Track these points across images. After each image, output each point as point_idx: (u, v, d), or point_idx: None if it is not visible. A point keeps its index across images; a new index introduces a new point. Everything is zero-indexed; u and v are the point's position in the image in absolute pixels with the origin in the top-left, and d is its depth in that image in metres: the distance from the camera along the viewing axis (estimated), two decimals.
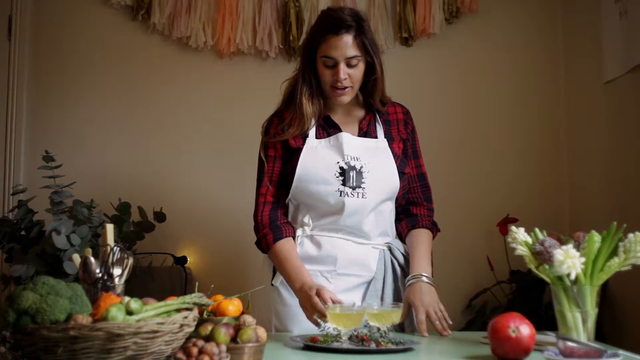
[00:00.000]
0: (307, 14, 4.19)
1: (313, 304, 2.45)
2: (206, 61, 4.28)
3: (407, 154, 2.86)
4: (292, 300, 2.70)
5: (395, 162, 2.76)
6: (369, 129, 2.83)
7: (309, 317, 2.50)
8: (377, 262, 2.73)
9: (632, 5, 3.43)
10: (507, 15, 4.34)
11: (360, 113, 2.87)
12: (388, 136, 2.82)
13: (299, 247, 2.72)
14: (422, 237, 2.81)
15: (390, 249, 2.78)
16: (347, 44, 2.66)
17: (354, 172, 2.68)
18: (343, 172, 2.68)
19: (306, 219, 2.73)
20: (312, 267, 2.70)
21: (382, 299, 2.68)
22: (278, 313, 2.74)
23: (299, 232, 2.73)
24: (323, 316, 2.36)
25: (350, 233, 2.72)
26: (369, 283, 2.71)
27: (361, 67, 2.72)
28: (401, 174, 2.77)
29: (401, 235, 2.89)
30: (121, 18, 4.29)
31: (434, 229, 2.87)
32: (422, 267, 2.69)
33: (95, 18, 4.29)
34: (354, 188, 2.66)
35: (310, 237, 2.74)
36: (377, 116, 2.85)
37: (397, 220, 2.90)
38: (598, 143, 3.85)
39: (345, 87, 2.71)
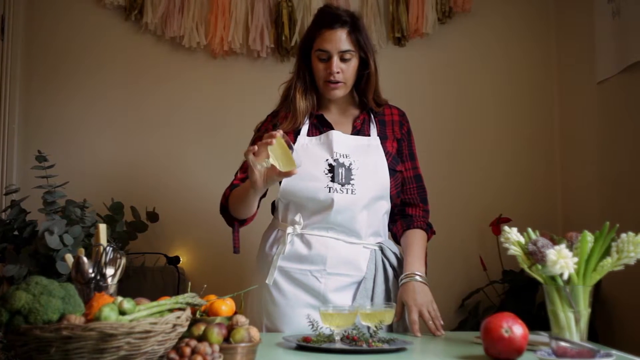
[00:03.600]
0: (299, 14, 4.19)
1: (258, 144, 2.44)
2: (199, 61, 4.27)
3: (402, 155, 2.88)
4: (282, 300, 2.72)
5: (387, 159, 2.78)
6: (362, 127, 2.85)
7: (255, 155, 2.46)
8: (367, 262, 2.73)
9: (625, 5, 3.44)
10: (500, 15, 4.34)
11: (354, 112, 2.90)
12: (381, 135, 2.85)
13: (289, 245, 2.73)
14: (416, 238, 2.82)
15: (381, 249, 2.78)
16: (340, 37, 2.74)
17: (343, 169, 2.70)
18: (332, 169, 2.70)
19: (297, 218, 2.73)
20: (302, 266, 2.71)
21: (372, 299, 2.68)
22: (269, 313, 2.74)
23: (289, 229, 2.73)
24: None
25: (342, 232, 2.72)
26: (359, 283, 2.71)
27: (354, 62, 2.78)
28: (392, 171, 2.79)
29: (396, 237, 2.90)
30: (114, 18, 4.28)
31: (429, 230, 2.89)
32: (416, 266, 2.71)
33: (87, 18, 4.28)
34: (342, 184, 2.69)
35: (301, 236, 2.74)
36: (372, 116, 2.87)
37: (392, 221, 2.91)
38: (591, 143, 3.85)
39: (338, 82, 2.75)
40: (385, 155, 2.79)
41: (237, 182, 2.85)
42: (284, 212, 2.80)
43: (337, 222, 2.70)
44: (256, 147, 2.42)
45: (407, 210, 2.91)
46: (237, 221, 2.82)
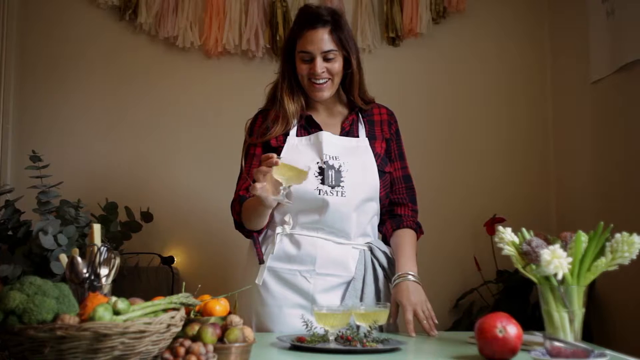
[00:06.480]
0: (294, 14, 4.18)
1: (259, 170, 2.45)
2: (193, 61, 4.27)
3: (390, 155, 2.87)
4: (271, 301, 2.71)
5: (376, 161, 2.78)
6: (351, 128, 2.84)
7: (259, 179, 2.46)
8: (356, 262, 2.72)
9: (619, 6, 3.44)
10: (494, 15, 4.35)
11: (343, 113, 2.89)
12: (370, 135, 2.84)
13: (278, 245, 2.72)
14: (406, 237, 2.81)
15: (371, 249, 2.77)
16: (323, 37, 2.71)
17: (333, 171, 2.69)
18: (322, 172, 2.69)
19: (287, 218, 2.72)
20: (291, 266, 2.70)
21: (361, 299, 2.67)
22: (258, 313, 2.73)
23: (278, 229, 2.72)
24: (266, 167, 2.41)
25: (331, 233, 2.71)
26: (348, 283, 2.70)
27: (339, 61, 2.75)
28: (381, 172, 2.78)
29: (385, 237, 2.89)
30: (108, 18, 4.28)
31: (418, 229, 2.88)
32: (408, 266, 2.70)
33: (82, 18, 4.27)
34: (332, 187, 2.67)
35: (290, 235, 2.73)
36: (360, 116, 2.87)
37: (381, 222, 2.90)
38: (585, 143, 3.86)
39: (324, 82, 2.75)
40: (374, 157, 2.79)
41: (242, 192, 2.80)
42: (274, 212, 2.78)
43: (328, 224, 2.69)
44: (258, 184, 2.44)
45: (395, 210, 2.89)
46: (255, 232, 2.80)
